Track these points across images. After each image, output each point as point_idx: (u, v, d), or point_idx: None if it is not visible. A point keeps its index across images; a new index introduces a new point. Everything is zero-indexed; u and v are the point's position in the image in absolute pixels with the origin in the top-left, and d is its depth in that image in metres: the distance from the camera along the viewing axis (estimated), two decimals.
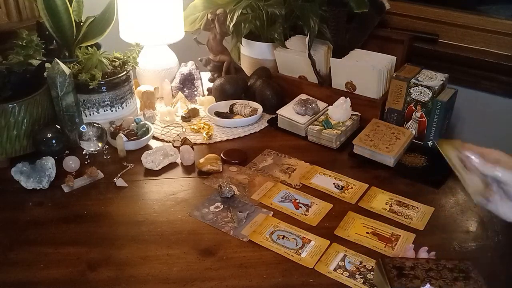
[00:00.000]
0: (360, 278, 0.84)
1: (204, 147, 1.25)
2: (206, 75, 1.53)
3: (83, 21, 1.35)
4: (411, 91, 1.22)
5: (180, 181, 1.11)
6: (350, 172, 1.14)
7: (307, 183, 1.10)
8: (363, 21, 1.37)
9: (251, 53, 1.53)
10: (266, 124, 1.35)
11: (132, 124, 1.25)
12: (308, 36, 1.30)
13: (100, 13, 1.36)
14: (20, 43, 1.18)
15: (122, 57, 1.29)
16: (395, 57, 1.33)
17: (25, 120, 1.12)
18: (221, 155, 1.19)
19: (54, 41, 1.36)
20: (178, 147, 1.20)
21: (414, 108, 1.23)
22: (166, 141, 1.26)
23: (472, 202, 1.05)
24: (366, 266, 0.87)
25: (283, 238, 0.93)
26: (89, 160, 1.16)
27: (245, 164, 1.18)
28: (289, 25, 1.43)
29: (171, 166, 1.16)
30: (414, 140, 1.24)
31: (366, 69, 1.27)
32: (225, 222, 0.98)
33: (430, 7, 1.49)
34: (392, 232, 0.96)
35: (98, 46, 1.29)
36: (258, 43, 1.49)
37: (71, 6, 1.28)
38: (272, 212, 1.00)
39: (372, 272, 0.85)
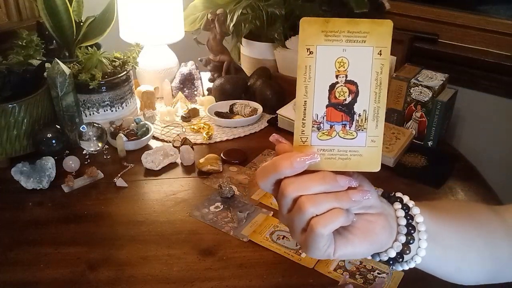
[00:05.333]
0: (360, 278, 0.84)
1: (204, 147, 1.25)
2: (206, 75, 1.53)
3: (83, 21, 1.35)
4: (411, 91, 1.22)
5: (180, 181, 1.11)
6: None
7: None
8: None
9: (251, 53, 1.53)
10: (266, 124, 1.35)
11: (132, 124, 1.25)
12: None
13: (100, 13, 1.36)
14: (20, 43, 1.18)
15: (122, 57, 1.29)
16: (395, 57, 1.33)
17: (25, 120, 1.12)
18: (221, 155, 1.18)
19: (54, 41, 1.36)
20: (178, 147, 1.20)
21: (414, 108, 1.24)
22: (166, 141, 1.26)
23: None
24: (366, 266, 0.87)
25: (283, 238, 0.93)
26: (89, 160, 1.16)
27: (245, 164, 1.17)
28: (289, 25, 1.43)
29: (171, 166, 1.16)
30: (414, 140, 1.24)
31: None
32: (225, 222, 0.98)
33: (430, 7, 1.49)
34: None
35: (98, 46, 1.28)
36: (258, 43, 1.49)
37: (71, 6, 1.28)
38: (272, 212, 1.00)
39: (372, 272, 0.85)
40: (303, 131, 0.44)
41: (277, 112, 1.32)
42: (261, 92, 1.39)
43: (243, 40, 1.51)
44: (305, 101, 0.43)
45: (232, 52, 1.57)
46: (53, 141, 1.13)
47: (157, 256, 0.89)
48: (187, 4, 1.52)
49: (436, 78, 1.23)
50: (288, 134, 1.35)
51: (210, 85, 1.48)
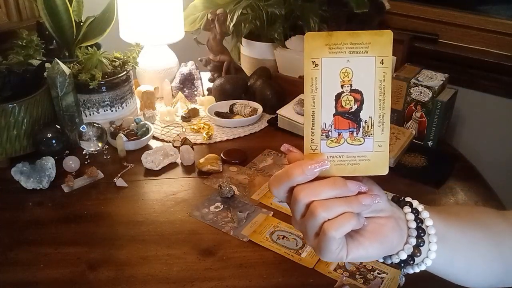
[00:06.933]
0: (360, 278, 0.84)
1: (204, 147, 1.25)
2: (206, 75, 1.53)
3: (83, 21, 1.35)
4: (411, 91, 1.22)
5: (180, 181, 1.11)
6: None
7: None
8: (363, 21, 1.37)
9: (251, 53, 1.53)
10: (266, 124, 1.35)
11: (132, 124, 1.25)
12: None
13: (100, 13, 1.36)
14: (20, 43, 1.18)
15: (122, 57, 1.29)
16: (395, 57, 1.33)
17: (25, 120, 1.12)
18: (221, 155, 1.18)
19: (54, 41, 1.36)
20: (178, 147, 1.20)
21: (414, 108, 1.24)
22: (166, 141, 1.26)
23: (473, 201, 1.05)
24: (366, 266, 0.87)
25: (283, 238, 0.93)
26: (89, 160, 1.16)
27: (245, 164, 1.17)
28: (289, 25, 1.43)
29: (171, 166, 1.16)
30: (414, 140, 1.24)
31: None
32: (225, 222, 0.98)
33: (430, 7, 1.49)
34: None
35: (98, 46, 1.29)
36: (258, 43, 1.49)
37: (71, 6, 1.28)
38: (272, 212, 1.00)
39: (372, 272, 0.85)
40: (313, 139, 0.46)
41: (277, 112, 1.32)
42: (261, 92, 1.39)
43: (243, 40, 1.51)
44: (313, 111, 0.45)
45: (232, 52, 1.57)
46: (53, 141, 1.13)
47: (157, 256, 0.89)
48: (187, 4, 1.52)
49: (436, 78, 1.23)
50: (288, 134, 1.36)
51: (210, 85, 1.48)
